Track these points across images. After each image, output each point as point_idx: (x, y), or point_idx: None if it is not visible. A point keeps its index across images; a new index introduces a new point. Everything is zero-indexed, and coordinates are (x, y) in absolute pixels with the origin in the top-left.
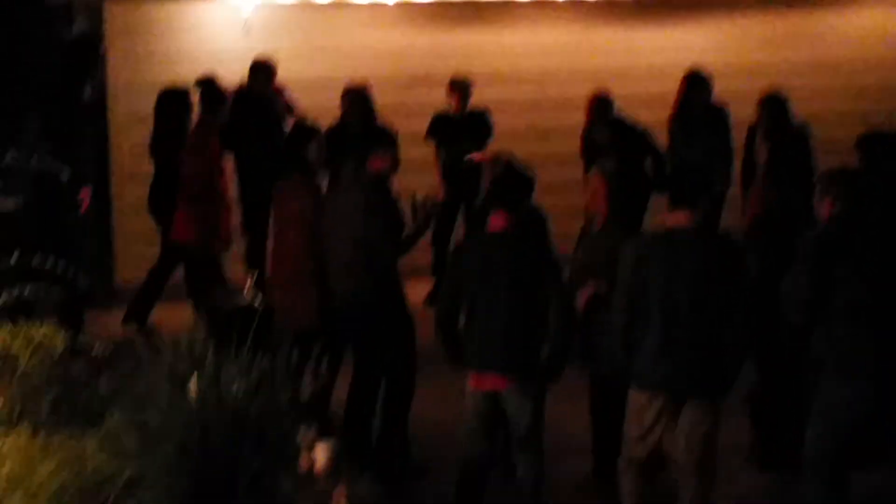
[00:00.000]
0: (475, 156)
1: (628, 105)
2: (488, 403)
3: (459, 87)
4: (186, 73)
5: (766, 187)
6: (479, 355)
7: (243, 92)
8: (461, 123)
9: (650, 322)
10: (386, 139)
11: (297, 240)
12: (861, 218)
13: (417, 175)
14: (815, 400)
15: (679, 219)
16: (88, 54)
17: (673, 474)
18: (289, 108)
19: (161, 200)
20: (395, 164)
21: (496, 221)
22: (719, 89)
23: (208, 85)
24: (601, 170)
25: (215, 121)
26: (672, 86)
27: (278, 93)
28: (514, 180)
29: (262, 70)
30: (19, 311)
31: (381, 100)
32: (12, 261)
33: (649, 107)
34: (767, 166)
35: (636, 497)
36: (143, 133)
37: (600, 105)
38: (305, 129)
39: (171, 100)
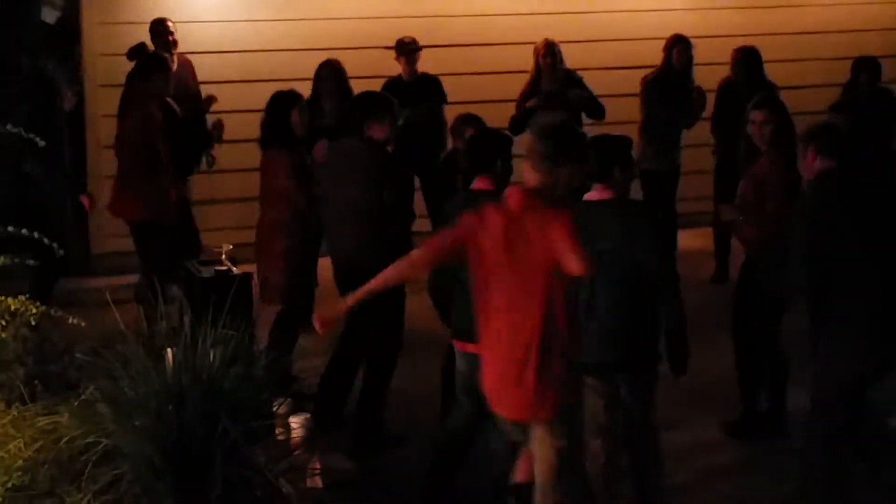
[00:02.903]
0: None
1: (603, 70)
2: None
3: (405, 49)
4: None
5: None
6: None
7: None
8: (412, 88)
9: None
10: (385, 105)
11: (276, 216)
12: (848, 171)
13: None
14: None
15: (599, 193)
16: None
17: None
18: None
19: None
20: (394, 129)
21: (481, 185)
22: (698, 54)
23: (139, 53)
24: None
25: (150, 88)
26: (647, 50)
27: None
28: (490, 142)
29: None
30: None
31: (354, 66)
32: None
33: (625, 71)
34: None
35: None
36: (117, 99)
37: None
38: (289, 97)
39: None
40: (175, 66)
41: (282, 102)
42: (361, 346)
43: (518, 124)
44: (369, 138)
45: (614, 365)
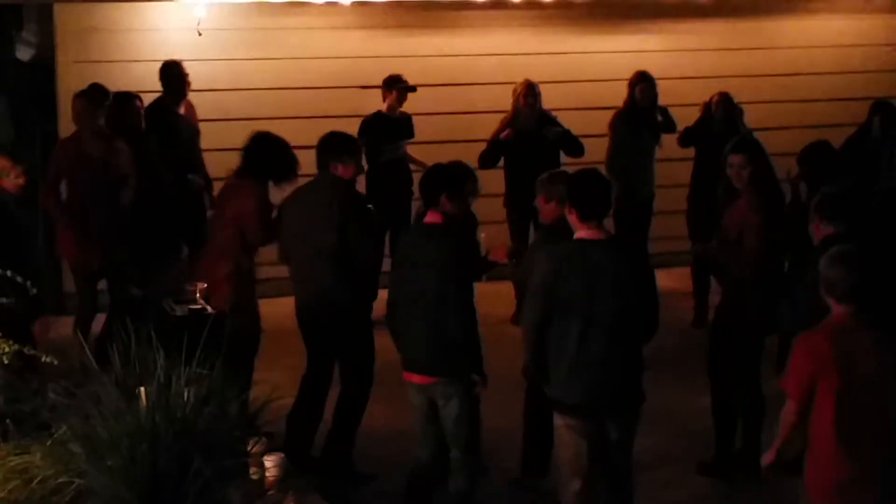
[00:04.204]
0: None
1: (581, 111)
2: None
3: (398, 86)
4: (140, 75)
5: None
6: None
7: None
8: (394, 124)
9: (564, 341)
10: (350, 146)
11: (230, 239)
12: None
13: None
14: None
15: (591, 232)
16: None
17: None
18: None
19: None
20: (358, 170)
21: (431, 219)
22: (673, 95)
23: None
24: None
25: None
26: (622, 91)
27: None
28: (438, 177)
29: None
30: None
31: (335, 104)
32: None
33: (602, 113)
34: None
35: None
36: None
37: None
38: (267, 139)
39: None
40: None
41: (261, 142)
42: (327, 382)
43: (488, 159)
44: (335, 177)
45: (601, 405)
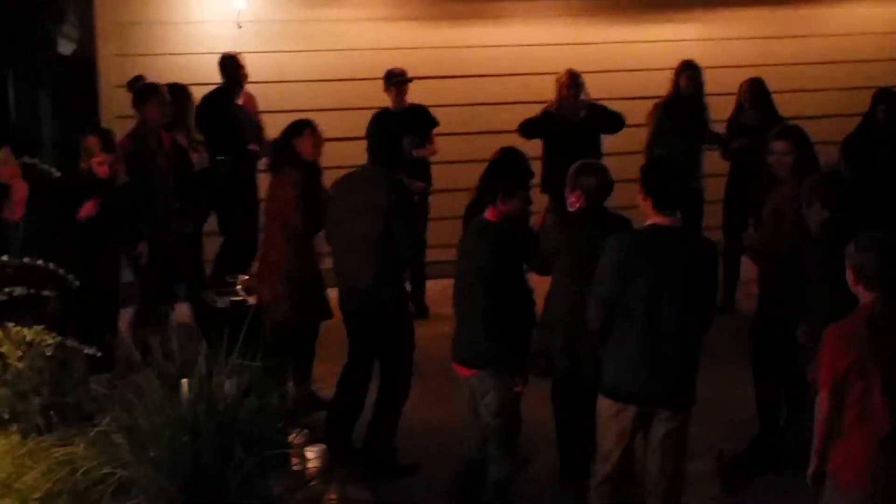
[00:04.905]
0: (419, 151)
1: (619, 101)
2: None
3: (394, 81)
4: (181, 68)
5: None
6: None
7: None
8: (400, 118)
9: (629, 328)
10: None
11: (278, 233)
12: (852, 222)
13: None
14: None
15: (664, 219)
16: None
17: (643, 487)
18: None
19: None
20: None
21: (487, 216)
22: (712, 84)
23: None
24: None
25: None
26: (659, 83)
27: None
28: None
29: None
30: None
31: (370, 96)
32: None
33: (639, 103)
34: None
35: None
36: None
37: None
38: (300, 122)
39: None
40: (241, 100)
41: (294, 127)
42: (367, 373)
43: (530, 128)
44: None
45: (656, 395)
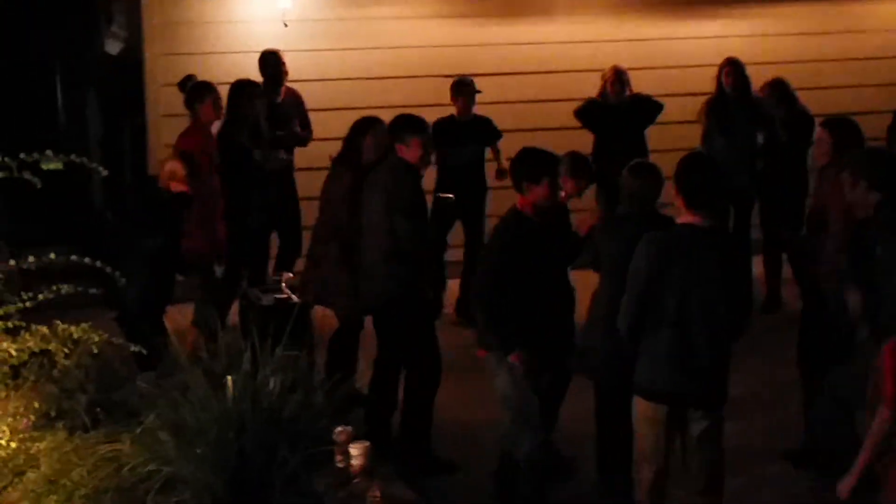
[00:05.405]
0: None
1: (664, 97)
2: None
3: (464, 90)
4: (227, 67)
5: None
6: None
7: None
8: (464, 128)
9: (661, 327)
10: (413, 126)
11: (328, 223)
12: None
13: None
14: None
15: (696, 218)
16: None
17: (684, 489)
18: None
19: None
20: (426, 152)
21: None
22: (757, 80)
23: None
24: None
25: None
26: (704, 79)
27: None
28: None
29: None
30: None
31: (416, 93)
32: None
33: (683, 100)
34: None
35: None
36: (179, 130)
37: None
38: (363, 122)
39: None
40: (282, 97)
41: (355, 126)
42: (395, 367)
43: (585, 113)
44: (397, 159)
45: (690, 395)
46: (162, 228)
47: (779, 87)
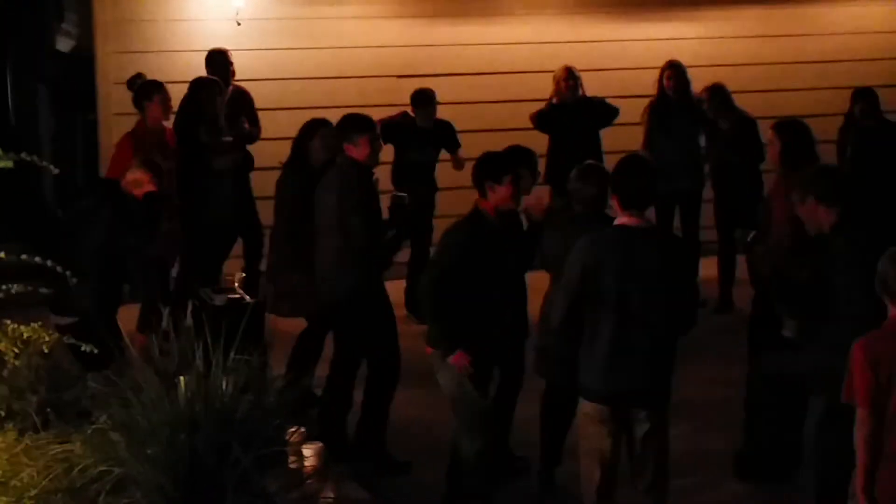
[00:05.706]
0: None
1: (616, 99)
2: None
3: (423, 102)
4: (180, 65)
5: None
6: None
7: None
8: (422, 133)
9: (599, 328)
10: (359, 125)
11: (282, 227)
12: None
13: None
14: None
15: (631, 219)
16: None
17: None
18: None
19: None
20: (373, 151)
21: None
22: (710, 83)
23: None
24: None
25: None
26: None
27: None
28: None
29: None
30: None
31: (369, 93)
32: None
33: (636, 102)
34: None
35: None
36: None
37: None
38: (310, 124)
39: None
40: (228, 96)
41: (303, 130)
42: (350, 368)
43: (541, 120)
44: (345, 158)
45: (632, 395)
46: (136, 231)
47: (718, 93)
